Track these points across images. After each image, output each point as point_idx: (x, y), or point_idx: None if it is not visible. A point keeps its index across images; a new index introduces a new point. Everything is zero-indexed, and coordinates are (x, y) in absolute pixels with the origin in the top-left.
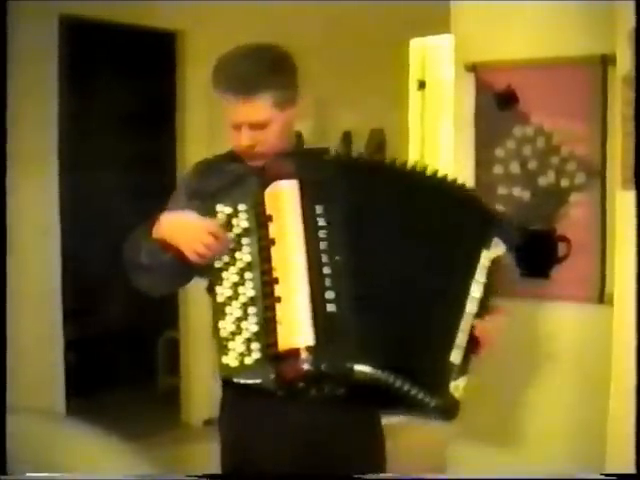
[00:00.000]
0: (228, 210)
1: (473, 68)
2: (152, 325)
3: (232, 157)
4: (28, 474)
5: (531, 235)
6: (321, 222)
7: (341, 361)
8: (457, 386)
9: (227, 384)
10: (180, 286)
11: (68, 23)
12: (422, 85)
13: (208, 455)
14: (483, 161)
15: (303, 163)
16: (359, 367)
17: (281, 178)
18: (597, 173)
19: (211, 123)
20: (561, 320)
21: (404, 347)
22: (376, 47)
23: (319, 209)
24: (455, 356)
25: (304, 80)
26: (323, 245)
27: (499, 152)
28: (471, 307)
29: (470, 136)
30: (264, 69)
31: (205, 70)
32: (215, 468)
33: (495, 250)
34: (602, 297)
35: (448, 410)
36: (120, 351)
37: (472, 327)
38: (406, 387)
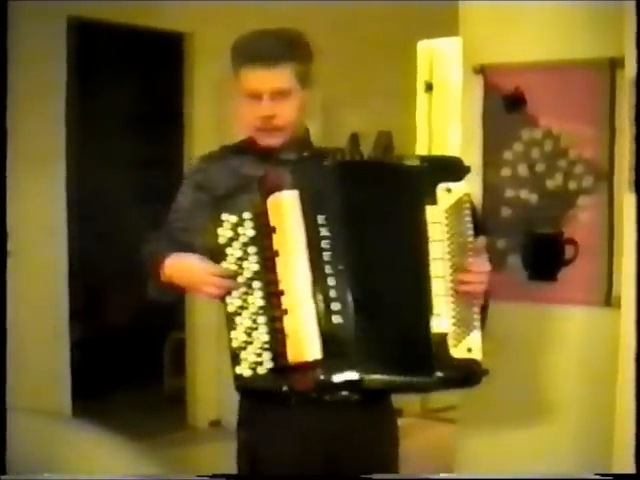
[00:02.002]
0: (234, 219)
1: (481, 70)
2: (158, 326)
3: (237, 149)
4: (28, 474)
5: (538, 238)
6: (323, 232)
7: (351, 372)
8: (469, 348)
9: (244, 391)
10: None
11: (76, 24)
12: (430, 87)
13: (214, 456)
14: (491, 163)
15: (302, 172)
16: (369, 376)
17: (281, 189)
18: (605, 176)
19: (219, 124)
20: (568, 323)
21: (403, 341)
22: (383, 48)
23: (321, 219)
24: (440, 324)
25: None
26: (326, 256)
27: (507, 155)
28: (440, 268)
29: (478, 138)
30: (286, 42)
31: (213, 71)
32: (221, 469)
33: (447, 198)
34: (609, 300)
35: (461, 377)
36: (126, 352)
37: (455, 285)
38: (414, 380)
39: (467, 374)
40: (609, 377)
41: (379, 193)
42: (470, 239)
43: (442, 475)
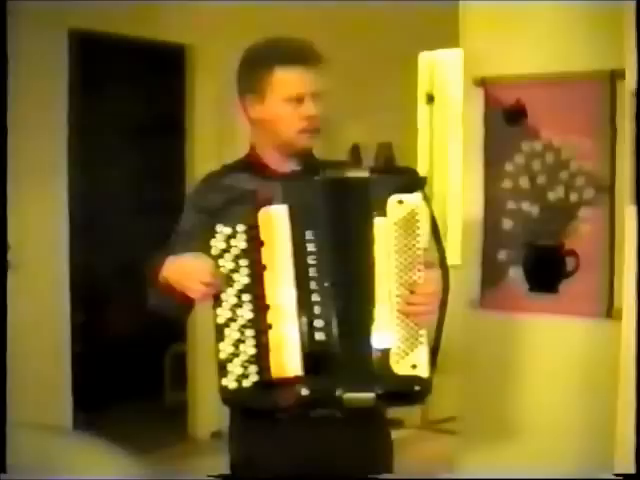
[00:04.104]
0: (227, 231)
1: (482, 83)
2: (159, 339)
3: (237, 166)
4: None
5: (540, 250)
6: (310, 247)
7: (331, 390)
8: (413, 364)
9: (230, 404)
10: (188, 315)
11: (77, 36)
12: (431, 99)
13: (215, 467)
14: (492, 176)
15: (293, 187)
16: (349, 395)
17: (271, 203)
18: (606, 188)
19: (220, 136)
20: (569, 335)
21: (357, 358)
22: (385, 60)
23: (309, 234)
24: (383, 340)
25: None
26: (312, 272)
27: (508, 167)
28: (384, 283)
29: (479, 151)
30: (313, 46)
31: (214, 83)
32: None
33: (398, 211)
34: (610, 312)
35: (400, 394)
36: (127, 365)
37: (401, 301)
38: (358, 397)
39: (407, 391)
40: (610, 389)
41: (345, 208)
42: (420, 252)
43: (442, 475)
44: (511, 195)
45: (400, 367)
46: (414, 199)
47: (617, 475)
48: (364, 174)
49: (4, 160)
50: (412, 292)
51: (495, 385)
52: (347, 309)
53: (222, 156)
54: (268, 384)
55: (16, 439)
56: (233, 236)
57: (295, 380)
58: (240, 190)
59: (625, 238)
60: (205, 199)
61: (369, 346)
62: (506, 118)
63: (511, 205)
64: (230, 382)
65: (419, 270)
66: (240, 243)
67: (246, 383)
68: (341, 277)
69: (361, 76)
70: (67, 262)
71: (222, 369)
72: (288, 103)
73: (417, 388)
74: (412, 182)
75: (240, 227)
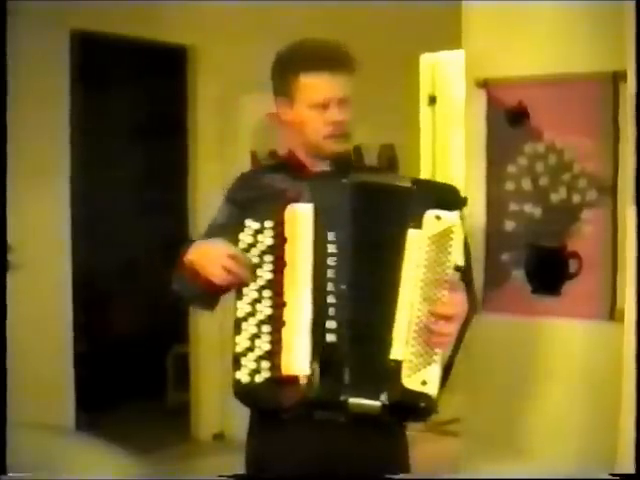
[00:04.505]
0: (256, 226)
1: (484, 84)
2: (162, 339)
3: (275, 166)
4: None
5: (542, 251)
6: (331, 249)
7: (336, 393)
8: (424, 381)
9: (241, 398)
10: (213, 306)
11: (79, 37)
12: (433, 100)
13: (217, 469)
14: (495, 177)
15: (320, 187)
16: (354, 400)
17: (298, 201)
18: (608, 190)
19: (222, 137)
20: (572, 336)
21: (371, 366)
22: (387, 62)
23: (331, 236)
24: (397, 351)
25: None
26: (330, 273)
27: (511, 168)
28: (408, 295)
29: (481, 152)
30: (345, 51)
31: (216, 83)
32: None
33: (433, 226)
34: (613, 314)
35: (405, 408)
36: (130, 366)
37: (421, 316)
38: (362, 403)
39: (412, 406)
40: (613, 391)
41: (376, 214)
42: (449, 272)
43: (445, 476)
44: (514, 197)
45: (410, 381)
46: (452, 217)
47: (617, 475)
48: (406, 184)
49: (4, 160)
50: (434, 310)
51: (498, 387)
52: (363, 314)
53: (224, 157)
54: (277, 381)
55: (16, 439)
56: (261, 231)
57: (302, 379)
58: (273, 188)
59: (627, 239)
60: (239, 194)
61: (381, 354)
62: (508, 119)
63: (513, 207)
64: (243, 376)
65: (445, 289)
66: (267, 239)
67: (258, 378)
68: (362, 282)
69: (363, 77)
70: (69, 262)
71: (236, 362)
72: (314, 109)
73: (422, 404)
74: (452, 200)
75: (268, 223)
